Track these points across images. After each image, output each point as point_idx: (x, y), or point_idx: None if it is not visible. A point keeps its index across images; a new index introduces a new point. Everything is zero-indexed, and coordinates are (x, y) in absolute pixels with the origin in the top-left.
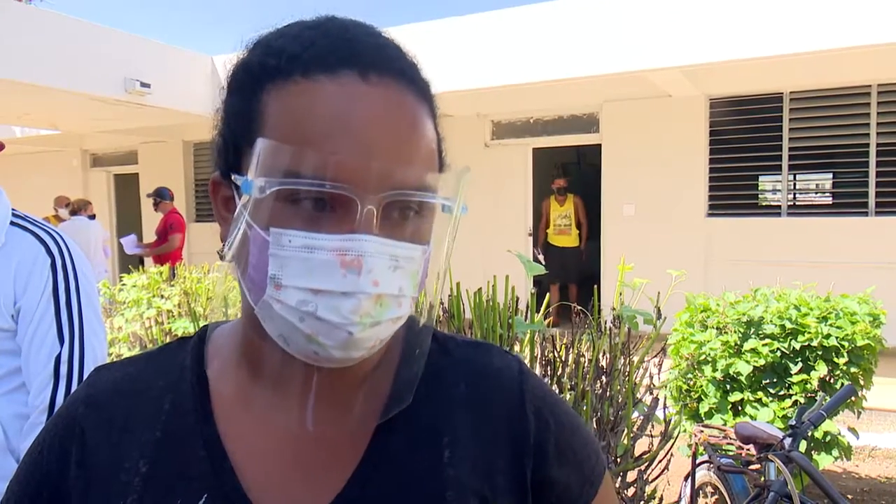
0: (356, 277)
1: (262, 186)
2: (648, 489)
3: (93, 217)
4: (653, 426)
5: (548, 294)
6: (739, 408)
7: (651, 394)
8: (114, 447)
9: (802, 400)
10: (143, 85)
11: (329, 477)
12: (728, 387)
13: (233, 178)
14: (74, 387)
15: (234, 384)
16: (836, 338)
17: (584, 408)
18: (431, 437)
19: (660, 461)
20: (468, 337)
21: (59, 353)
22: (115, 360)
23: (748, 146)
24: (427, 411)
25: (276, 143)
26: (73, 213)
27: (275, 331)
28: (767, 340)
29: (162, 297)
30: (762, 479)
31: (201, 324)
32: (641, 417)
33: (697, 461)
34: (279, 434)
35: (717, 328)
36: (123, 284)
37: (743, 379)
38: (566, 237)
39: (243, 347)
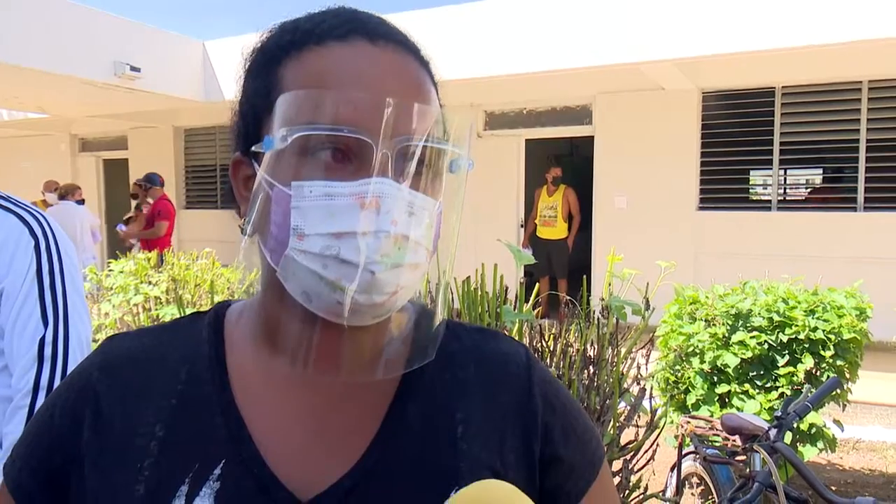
0: (375, 216)
1: (283, 135)
2: (633, 479)
3: (81, 202)
4: (639, 416)
5: (537, 284)
6: (726, 399)
7: (638, 384)
8: (128, 413)
9: (789, 392)
10: (134, 69)
11: (347, 446)
12: (715, 378)
13: (253, 149)
14: (59, 369)
15: (252, 356)
16: (823, 331)
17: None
18: (445, 413)
19: (645, 451)
20: (475, 324)
21: (44, 336)
22: (125, 331)
23: (740, 140)
24: (440, 391)
25: (294, 93)
26: (61, 197)
27: (298, 288)
28: (755, 333)
29: (150, 283)
30: (747, 469)
31: (188, 311)
32: (628, 408)
33: (684, 452)
34: (297, 404)
35: (706, 320)
36: (111, 270)
37: (730, 371)
38: (551, 229)
39: (261, 320)
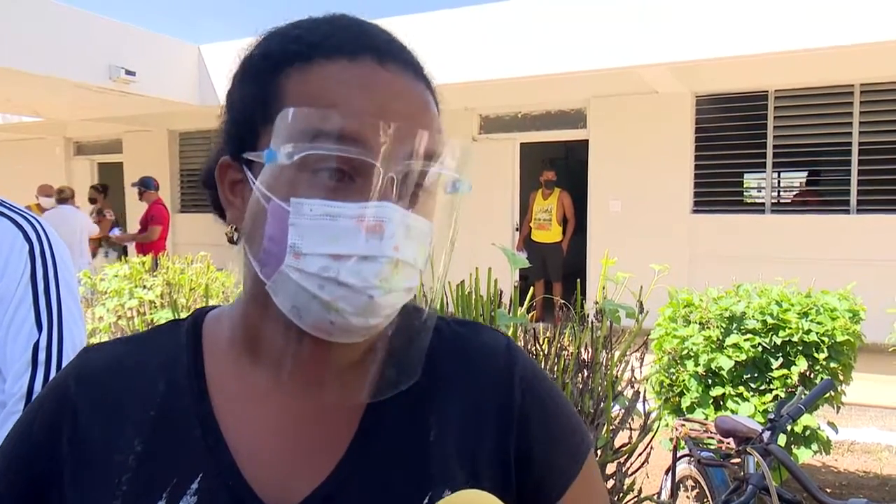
0: (378, 242)
1: (290, 152)
2: (627, 482)
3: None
4: (632, 420)
5: (532, 288)
6: (721, 402)
7: (632, 387)
8: (107, 425)
9: (783, 394)
10: (129, 73)
11: (322, 456)
12: (710, 381)
13: (247, 156)
14: (53, 374)
15: (231, 365)
16: (817, 333)
17: None
18: (418, 416)
19: (639, 454)
20: (458, 317)
21: (38, 340)
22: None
23: (733, 143)
24: (414, 390)
25: (302, 109)
26: (62, 201)
27: (288, 303)
28: (749, 335)
29: (144, 287)
30: (742, 472)
31: (183, 315)
32: (622, 411)
33: (678, 455)
34: (275, 414)
35: (700, 323)
36: (105, 274)
37: (724, 373)
38: (545, 232)
39: (242, 329)
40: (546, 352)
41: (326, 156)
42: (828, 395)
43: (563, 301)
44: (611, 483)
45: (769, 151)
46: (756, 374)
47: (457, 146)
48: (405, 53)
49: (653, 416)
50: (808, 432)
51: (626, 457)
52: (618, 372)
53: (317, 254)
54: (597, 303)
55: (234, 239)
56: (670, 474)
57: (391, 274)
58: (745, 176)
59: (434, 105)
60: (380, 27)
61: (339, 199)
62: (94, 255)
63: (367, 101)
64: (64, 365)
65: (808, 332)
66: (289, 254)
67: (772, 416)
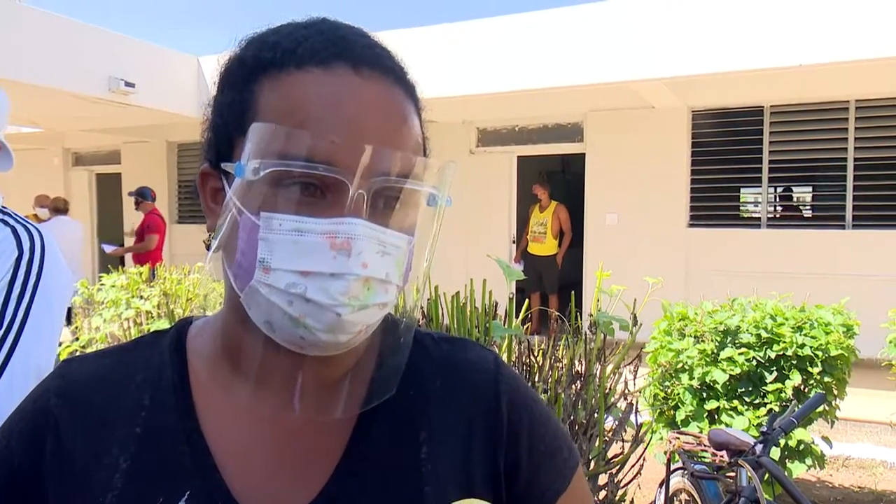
0: (346, 259)
1: (256, 168)
2: (619, 493)
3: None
4: (625, 431)
5: (527, 300)
6: (715, 416)
7: (625, 399)
8: (91, 441)
9: (777, 408)
10: (128, 84)
11: (311, 473)
12: (704, 395)
13: (223, 166)
14: None
15: (216, 379)
16: (811, 347)
17: (558, 412)
18: (409, 433)
19: (632, 466)
20: (445, 333)
21: None
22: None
23: (729, 158)
24: (404, 407)
25: (271, 126)
26: (58, 211)
27: (260, 317)
28: (743, 349)
29: (141, 297)
30: (735, 485)
31: None
32: (615, 422)
33: (672, 468)
34: (262, 429)
35: (695, 337)
36: (102, 284)
37: (719, 387)
38: (540, 245)
39: (225, 340)
40: (540, 363)
41: (295, 171)
42: (822, 409)
43: (557, 313)
44: (603, 494)
45: (765, 166)
46: (750, 388)
47: (437, 164)
48: (384, 59)
49: (645, 427)
50: (802, 446)
51: (618, 468)
52: (611, 384)
53: (285, 269)
54: (591, 315)
55: (213, 247)
56: (664, 487)
57: (360, 291)
58: (742, 190)
59: (414, 113)
60: (360, 31)
61: (309, 214)
62: None
63: (338, 115)
64: (6, 372)
65: (803, 346)
66: (258, 268)
67: (764, 429)
